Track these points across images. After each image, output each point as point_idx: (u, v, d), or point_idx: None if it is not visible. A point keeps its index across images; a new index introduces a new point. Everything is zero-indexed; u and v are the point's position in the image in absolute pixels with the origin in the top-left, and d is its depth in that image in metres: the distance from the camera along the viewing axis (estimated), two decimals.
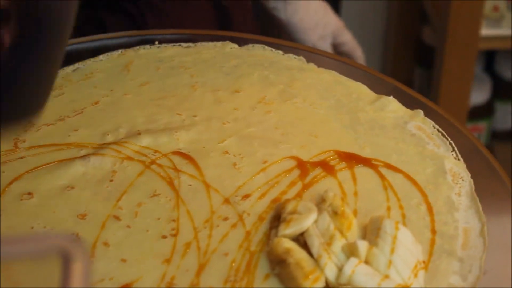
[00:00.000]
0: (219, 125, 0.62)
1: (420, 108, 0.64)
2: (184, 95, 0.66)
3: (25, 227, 0.53)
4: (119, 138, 0.61)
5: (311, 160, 0.59)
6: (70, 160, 0.58)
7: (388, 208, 0.55)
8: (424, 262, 0.50)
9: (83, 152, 0.59)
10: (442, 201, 0.55)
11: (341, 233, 0.50)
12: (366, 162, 0.59)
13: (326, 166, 0.58)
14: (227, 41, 0.74)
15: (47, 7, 0.42)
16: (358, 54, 0.97)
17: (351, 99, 0.66)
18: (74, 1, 0.43)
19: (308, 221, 0.50)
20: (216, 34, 0.75)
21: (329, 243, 0.49)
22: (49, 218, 0.53)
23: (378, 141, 0.61)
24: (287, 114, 0.64)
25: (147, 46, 0.73)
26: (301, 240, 0.50)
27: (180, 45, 0.74)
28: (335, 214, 0.51)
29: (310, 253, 0.49)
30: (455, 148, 0.60)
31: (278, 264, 0.49)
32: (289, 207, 0.52)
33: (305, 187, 0.56)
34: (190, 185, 0.56)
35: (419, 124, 0.63)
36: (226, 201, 0.55)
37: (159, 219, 0.53)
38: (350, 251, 0.48)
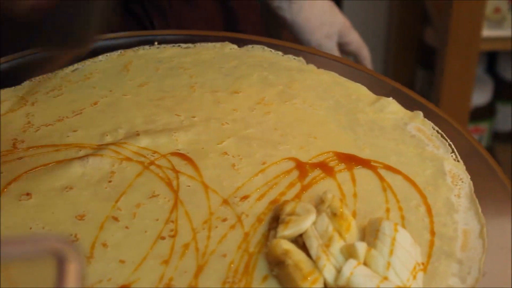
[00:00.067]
0: (218, 126, 0.62)
1: (420, 110, 0.64)
2: (183, 96, 0.66)
3: (23, 227, 0.53)
4: (118, 138, 0.61)
5: (310, 161, 0.59)
6: (68, 160, 0.58)
7: (387, 210, 0.54)
8: (423, 263, 0.50)
9: (82, 152, 0.59)
10: (442, 203, 0.55)
11: (340, 234, 0.49)
12: (365, 163, 0.58)
13: (325, 168, 0.58)
14: (227, 42, 0.74)
15: None
16: (365, 53, 0.96)
17: (350, 100, 0.66)
18: None
19: (306, 222, 0.50)
20: (216, 35, 0.75)
21: (327, 244, 0.48)
22: (48, 219, 0.53)
23: (378, 143, 0.61)
24: (286, 115, 0.64)
25: (147, 47, 0.73)
26: (299, 241, 0.50)
27: (179, 45, 0.73)
28: (334, 215, 0.51)
29: (308, 255, 0.48)
30: (455, 150, 0.60)
31: (277, 266, 0.48)
32: (288, 208, 0.52)
33: (304, 188, 0.56)
34: (189, 186, 0.56)
35: (419, 125, 0.63)
36: (225, 202, 0.55)
37: (157, 220, 0.53)
38: (349, 252, 0.48)
